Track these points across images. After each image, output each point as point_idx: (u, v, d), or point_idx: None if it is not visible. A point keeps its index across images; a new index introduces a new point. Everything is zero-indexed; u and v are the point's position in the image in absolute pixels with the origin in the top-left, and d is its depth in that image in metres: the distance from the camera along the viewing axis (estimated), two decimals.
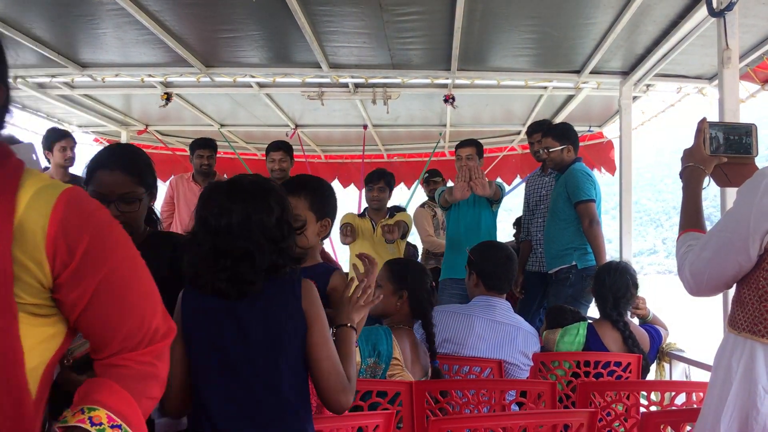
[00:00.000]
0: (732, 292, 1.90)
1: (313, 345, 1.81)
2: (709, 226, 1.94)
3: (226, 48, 4.85)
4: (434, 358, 2.92)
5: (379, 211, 5.33)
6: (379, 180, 5.29)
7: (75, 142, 5.27)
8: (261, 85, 5.83)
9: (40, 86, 5.79)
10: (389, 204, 5.49)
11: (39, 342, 1.19)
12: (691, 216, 2.03)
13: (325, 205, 2.38)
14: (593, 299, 3.81)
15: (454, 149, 5.40)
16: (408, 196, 7.87)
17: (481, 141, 8.03)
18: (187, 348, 1.76)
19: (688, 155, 2.11)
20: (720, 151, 2.05)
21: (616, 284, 3.52)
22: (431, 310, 3.07)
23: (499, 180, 5.50)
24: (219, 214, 1.72)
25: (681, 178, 2.11)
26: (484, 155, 8.13)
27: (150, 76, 5.42)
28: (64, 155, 5.11)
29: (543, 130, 4.98)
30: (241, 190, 1.77)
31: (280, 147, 5.40)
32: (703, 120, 2.10)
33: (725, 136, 2.05)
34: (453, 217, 5.15)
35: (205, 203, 1.77)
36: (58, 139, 5.14)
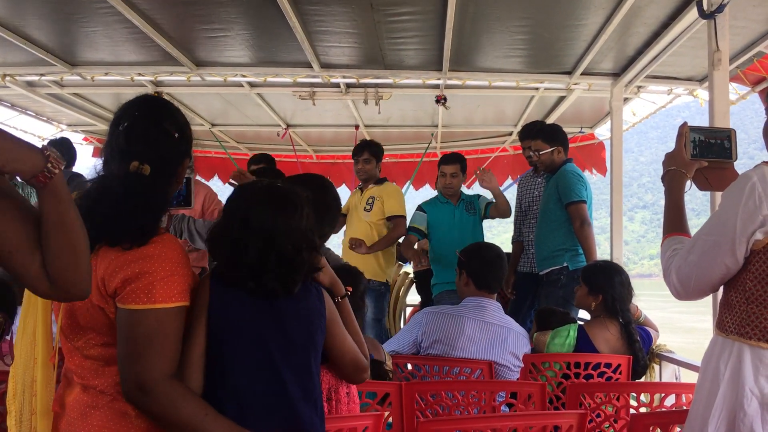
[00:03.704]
0: (720, 295, 1.91)
1: (335, 336, 1.91)
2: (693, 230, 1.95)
3: (217, 47, 4.83)
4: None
5: (368, 182, 5.39)
6: (362, 152, 5.35)
7: None
8: (252, 85, 5.81)
9: (29, 84, 5.75)
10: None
11: None
12: (674, 220, 2.04)
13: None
14: None
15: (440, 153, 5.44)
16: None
17: (473, 142, 8.11)
18: (215, 340, 1.73)
19: (670, 159, 2.12)
20: (700, 156, 2.07)
21: (612, 282, 3.52)
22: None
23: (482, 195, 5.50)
24: (265, 217, 1.73)
25: (663, 182, 2.12)
26: (477, 156, 8.22)
27: (140, 74, 5.39)
28: None
29: (532, 135, 4.99)
30: (283, 198, 1.79)
31: (365, 148, 5.41)
32: (684, 124, 2.12)
33: (706, 141, 2.08)
34: (440, 236, 5.20)
35: (246, 205, 1.77)
36: None
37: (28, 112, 6.76)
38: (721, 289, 1.89)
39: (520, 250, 5.29)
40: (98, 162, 1.79)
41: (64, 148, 5.68)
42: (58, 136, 7.12)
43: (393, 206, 5.21)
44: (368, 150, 5.35)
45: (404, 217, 5.24)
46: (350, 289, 2.20)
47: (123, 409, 1.62)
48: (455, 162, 5.28)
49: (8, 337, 2.74)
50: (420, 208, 5.35)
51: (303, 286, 1.82)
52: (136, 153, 1.67)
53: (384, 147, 5.58)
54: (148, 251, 1.59)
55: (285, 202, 1.77)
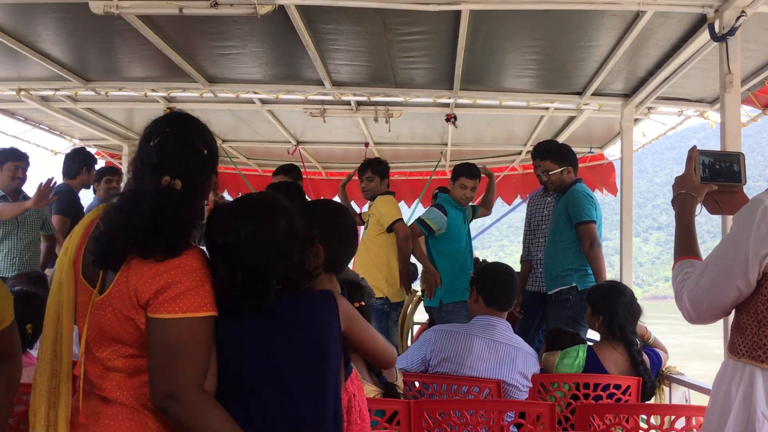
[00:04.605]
0: (731, 318, 1.90)
1: (363, 340, 1.95)
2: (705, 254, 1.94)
3: (230, 64, 4.87)
4: (381, 375, 2.86)
5: (372, 200, 5.43)
6: (365, 170, 5.40)
7: (28, 164, 5.30)
8: (264, 102, 5.85)
9: (44, 99, 5.80)
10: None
11: None
12: (685, 243, 2.04)
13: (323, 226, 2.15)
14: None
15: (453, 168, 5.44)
16: (408, 215, 7.88)
17: (482, 161, 8.13)
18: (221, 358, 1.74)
19: (680, 183, 2.12)
20: (710, 179, 2.07)
21: (612, 303, 3.51)
22: None
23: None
24: (225, 233, 1.73)
25: (673, 205, 2.12)
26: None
27: (153, 90, 5.44)
28: (13, 174, 5.14)
29: (542, 155, 4.99)
30: (246, 208, 1.79)
31: (367, 166, 5.44)
32: (693, 148, 2.12)
33: (715, 165, 2.08)
34: (462, 243, 5.20)
35: (211, 225, 1.78)
36: (12, 159, 5.17)
37: (41, 126, 6.81)
38: (733, 312, 1.88)
39: (528, 270, 5.28)
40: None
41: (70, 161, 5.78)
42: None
43: (386, 215, 5.21)
44: (371, 168, 5.40)
45: (401, 219, 5.24)
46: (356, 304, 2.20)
47: (144, 421, 1.64)
48: (477, 177, 5.34)
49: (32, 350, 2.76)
50: (442, 208, 5.28)
51: (314, 294, 1.83)
52: (167, 168, 1.72)
53: (393, 165, 5.63)
54: (179, 263, 1.63)
55: (249, 215, 1.76)
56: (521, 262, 5.42)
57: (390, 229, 5.18)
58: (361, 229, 5.51)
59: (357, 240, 2.38)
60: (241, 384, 1.73)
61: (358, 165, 5.60)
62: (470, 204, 5.50)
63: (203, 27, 4.15)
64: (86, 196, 6.08)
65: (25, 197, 5.16)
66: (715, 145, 3.44)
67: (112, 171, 6.16)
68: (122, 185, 1.91)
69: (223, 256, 1.72)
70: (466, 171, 5.33)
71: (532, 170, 6.00)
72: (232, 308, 1.71)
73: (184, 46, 4.52)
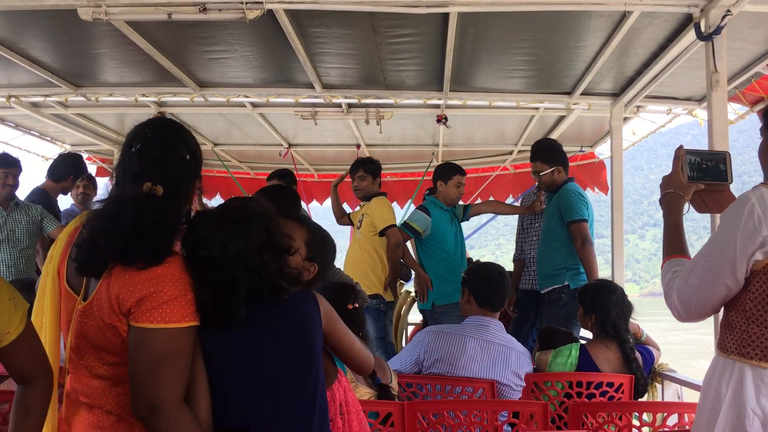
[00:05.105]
0: (721, 315, 1.92)
1: (340, 341, 1.95)
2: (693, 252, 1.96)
3: (220, 68, 4.88)
4: (375, 377, 2.87)
5: (365, 199, 5.45)
6: (357, 169, 5.43)
7: (20, 170, 5.22)
8: (254, 105, 5.85)
9: (34, 105, 5.79)
10: None
11: None
12: (673, 242, 2.06)
13: (318, 250, 2.21)
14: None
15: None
16: (401, 216, 7.89)
17: (474, 161, 8.15)
18: (217, 377, 1.74)
19: (667, 182, 2.14)
20: (697, 178, 2.09)
21: (602, 302, 3.54)
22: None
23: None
24: (200, 245, 1.72)
25: (661, 204, 2.14)
26: (478, 174, 8.27)
27: (144, 95, 5.44)
28: (3, 182, 5.07)
29: (532, 156, 5.00)
30: (222, 219, 1.77)
31: (359, 165, 5.48)
32: (680, 147, 2.14)
33: (702, 164, 2.10)
34: (448, 244, 5.21)
35: (187, 234, 1.77)
36: (2, 166, 5.11)
37: (32, 132, 6.79)
38: (722, 310, 1.90)
39: (521, 269, 5.30)
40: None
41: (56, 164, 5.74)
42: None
43: (380, 219, 5.21)
44: (363, 167, 5.42)
45: (394, 225, 5.23)
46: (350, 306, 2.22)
47: (130, 430, 1.64)
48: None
49: None
50: (425, 209, 5.24)
51: (295, 294, 1.83)
52: (148, 175, 1.71)
53: (385, 166, 5.63)
54: (162, 271, 1.62)
55: (224, 227, 1.75)
56: (514, 261, 5.44)
57: (382, 234, 5.18)
58: (352, 228, 5.52)
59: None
60: (232, 396, 1.73)
61: (349, 167, 5.61)
62: (461, 203, 5.50)
63: (192, 32, 4.16)
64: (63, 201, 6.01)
65: (17, 204, 5.13)
66: (708, 142, 3.47)
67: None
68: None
69: (197, 267, 1.71)
70: (458, 169, 5.33)
71: (523, 170, 6.03)
72: (211, 319, 1.71)
73: (174, 51, 4.52)
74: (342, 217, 5.95)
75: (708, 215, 2.62)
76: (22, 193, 5.29)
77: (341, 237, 5.31)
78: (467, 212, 5.49)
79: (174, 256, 1.67)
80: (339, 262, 5.57)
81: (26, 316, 1.66)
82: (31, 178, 5.72)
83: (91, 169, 7.87)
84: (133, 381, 1.59)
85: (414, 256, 5.42)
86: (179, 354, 1.61)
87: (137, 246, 1.61)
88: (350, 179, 5.56)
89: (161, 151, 1.77)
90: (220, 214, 1.80)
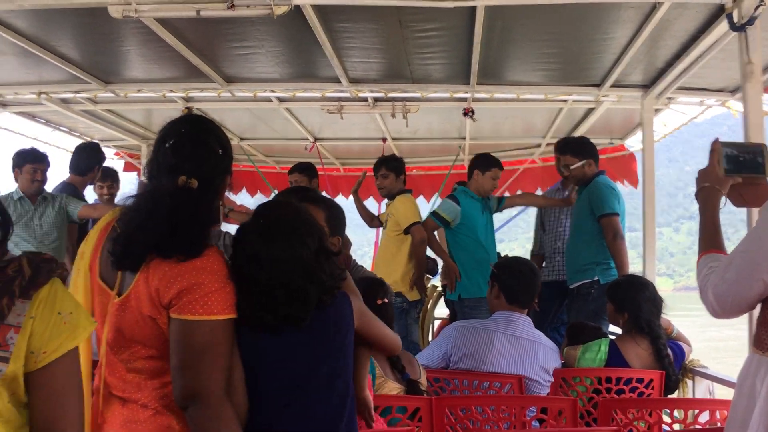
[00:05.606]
0: (757, 312, 1.88)
1: (371, 329, 1.98)
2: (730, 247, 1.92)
3: (247, 64, 4.90)
4: (404, 373, 2.89)
5: (390, 197, 5.48)
6: (380, 168, 5.47)
7: (48, 165, 5.23)
8: (281, 100, 5.86)
9: (64, 102, 5.87)
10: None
11: None
12: (710, 237, 2.01)
13: (338, 224, 2.34)
14: None
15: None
16: (428, 210, 7.87)
17: (501, 154, 8.09)
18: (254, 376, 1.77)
19: (703, 176, 2.09)
20: (734, 172, 2.04)
21: (635, 299, 3.49)
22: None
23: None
24: (257, 260, 1.75)
25: (697, 199, 2.10)
26: (506, 168, 8.21)
27: (171, 91, 5.48)
28: (32, 177, 5.09)
29: (561, 150, 4.96)
30: (274, 231, 1.80)
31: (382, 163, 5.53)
32: (716, 140, 2.09)
33: (738, 156, 2.05)
34: (479, 233, 5.18)
35: (241, 248, 1.80)
36: (31, 161, 5.11)
37: (61, 128, 6.88)
38: (758, 306, 1.86)
39: (539, 264, 5.26)
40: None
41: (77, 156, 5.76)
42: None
43: (404, 217, 5.24)
44: (385, 165, 5.45)
45: (419, 222, 5.25)
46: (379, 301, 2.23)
47: (167, 423, 1.66)
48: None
49: None
50: (455, 198, 5.23)
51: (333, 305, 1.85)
52: (183, 169, 1.73)
53: (412, 160, 5.63)
54: (202, 263, 1.64)
55: (278, 239, 1.78)
56: (532, 256, 5.40)
57: (407, 231, 5.19)
58: (380, 229, 5.56)
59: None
60: (262, 394, 1.75)
61: (374, 161, 5.62)
62: (495, 195, 5.47)
63: (220, 28, 4.18)
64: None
65: (45, 198, 5.16)
66: (743, 134, 3.40)
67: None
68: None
69: (257, 284, 1.73)
70: (497, 162, 5.33)
71: (552, 163, 5.98)
72: (269, 324, 1.73)
73: (202, 47, 4.55)
74: (372, 221, 5.99)
75: (745, 208, 2.56)
76: (49, 188, 5.33)
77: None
78: (501, 204, 5.45)
79: (211, 248, 1.70)
80: (366, 263, 5.61)
81: (75, 339, 1.32)
82: (59, 173, 5.77)
83: (118, 164, 7.97)
84: (175, 372, 1.62)
85: (444, 247, 5.42)
86: (221, 345, 1.63)
87: (173, 239, 1.63)
88: (374, 177, 5.57)
89: (195, 146, 1.79)
90: (270, 229, 1.81)
